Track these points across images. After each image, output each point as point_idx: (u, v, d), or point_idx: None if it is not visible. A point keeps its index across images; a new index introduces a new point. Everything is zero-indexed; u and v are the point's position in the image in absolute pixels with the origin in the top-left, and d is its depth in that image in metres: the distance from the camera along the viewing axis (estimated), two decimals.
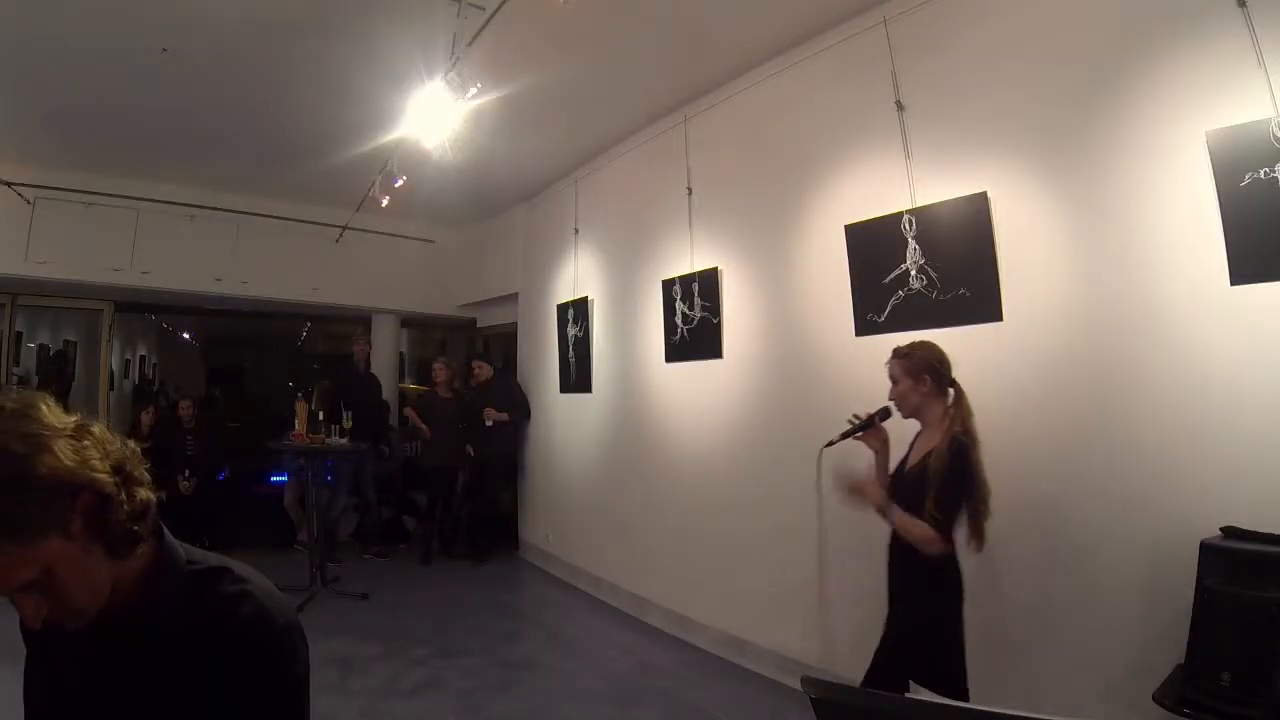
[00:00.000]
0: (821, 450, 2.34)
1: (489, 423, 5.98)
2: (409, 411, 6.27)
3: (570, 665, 3.82)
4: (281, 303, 6.94)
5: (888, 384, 2.28)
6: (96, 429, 0.86)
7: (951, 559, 2.11)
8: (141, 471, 0.89)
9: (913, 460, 2.21)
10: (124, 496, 0.84)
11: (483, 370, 6.28)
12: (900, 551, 2.18)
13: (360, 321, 7.64)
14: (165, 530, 0.94)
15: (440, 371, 6.31)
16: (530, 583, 5.61)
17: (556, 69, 3.79)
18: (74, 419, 0.84)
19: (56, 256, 5.50)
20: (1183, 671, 1.86)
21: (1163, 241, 2.24)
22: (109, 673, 0.89)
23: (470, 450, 6.14)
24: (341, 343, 8.61)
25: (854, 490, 2.20)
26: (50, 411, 0.82)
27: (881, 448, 2.31)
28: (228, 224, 6.19)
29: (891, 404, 2.27)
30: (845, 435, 2.31)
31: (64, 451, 0.78)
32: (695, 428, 4.16)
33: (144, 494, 0.88)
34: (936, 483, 2.03)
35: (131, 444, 0.90)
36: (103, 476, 0.81)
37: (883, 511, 2.12)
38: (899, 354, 2.28)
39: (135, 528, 0.85)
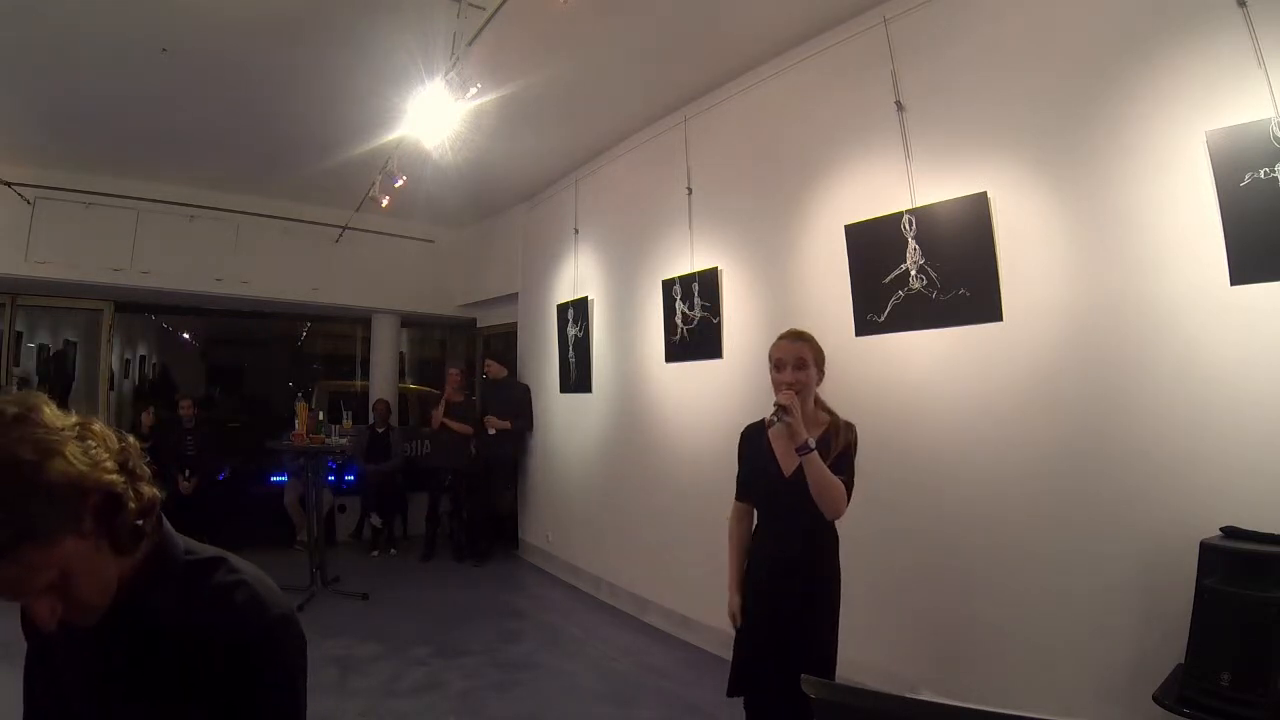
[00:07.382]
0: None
1: (491, 431, 6.05)
2: (437, 414, 6.18)
3: (570, 665, 3.82)
4: (281, 303, 6.94)
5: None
6: (97, 426, 0.86)
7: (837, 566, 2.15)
8: (143, 467, 0.90)
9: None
10: (132, 494, 0.85)
11: (492, 369, 6.33)
12: (800, 553, 2.09)
13: (362, 322, 7.59)
14: (165, 520, 0.95)
15: (456, 376, 6.42)
16: (530, 583, 5.61)
17: (557, 68, 3.79)
18: (75, 418, 0.85)
19: (56, 256, 5.51)
20: (1183, 671, 1.86)
21: (1163, 241, 2.24)
22: (106, 662, 0.90)
23: (473, 449, 6.19)
24: (341, 342, 8.53)
25: (790, 405, 1.96)
26: (52, 413, 0.82)
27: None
28: (228, 224, 6.21)
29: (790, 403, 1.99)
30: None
31: (74, 455, 0.79)
32: (695, 428, 4.16)
33: (149, 490, 0.89)
34: (840, 451, 2.04)
35: (131, 439, 0.91)
36: (112, 477, 0.83)
37: (799, 440, 1.94)
38: (806, 339, 2.14)
39: (141, 524, 0.87)
